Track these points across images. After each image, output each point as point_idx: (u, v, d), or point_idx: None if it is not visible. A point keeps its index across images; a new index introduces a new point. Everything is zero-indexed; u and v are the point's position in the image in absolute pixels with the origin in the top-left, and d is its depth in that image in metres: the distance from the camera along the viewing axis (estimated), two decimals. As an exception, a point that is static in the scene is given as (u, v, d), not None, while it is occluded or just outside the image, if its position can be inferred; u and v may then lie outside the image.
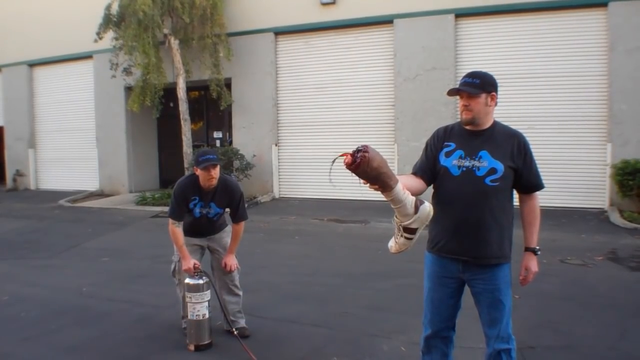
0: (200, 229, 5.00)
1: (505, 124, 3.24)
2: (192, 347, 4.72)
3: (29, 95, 19.02)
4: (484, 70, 3.21)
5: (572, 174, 11.41)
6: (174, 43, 13.93)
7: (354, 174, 2.55)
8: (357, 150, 2.53)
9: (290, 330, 5.17)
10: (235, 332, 4.78)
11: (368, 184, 2.61)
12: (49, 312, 5.88)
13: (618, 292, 6.10)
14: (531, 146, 3.16)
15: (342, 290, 6.45)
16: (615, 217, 10.14)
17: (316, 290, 6.48)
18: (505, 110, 11.05)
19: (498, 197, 3.08)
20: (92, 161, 17.53)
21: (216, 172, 4.72)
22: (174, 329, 5.19)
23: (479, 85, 3.07)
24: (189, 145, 14.24)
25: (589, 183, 11.46)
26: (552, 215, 10.15)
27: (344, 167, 2.52)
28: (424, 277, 3.39)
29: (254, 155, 14.39)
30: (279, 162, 14.61)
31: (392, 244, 2.92)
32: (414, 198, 2.73)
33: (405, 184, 2.77)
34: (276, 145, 14.53)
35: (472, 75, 3.13)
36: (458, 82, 3.16)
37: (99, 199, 16.21)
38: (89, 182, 17.58)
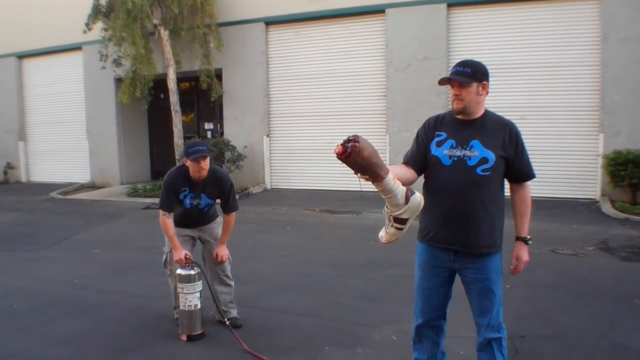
0: (191, 220, 4.99)
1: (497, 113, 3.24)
2: (184, 338, 4.72)
3: (18, 87, 18.85)
4: (476, 59, 3.19)
5: (563, 164, 11.42)
6: (164, 34, 13.82)
7: (344, 164, 2.55)
8: (348, 140, 2.53)
9: (282, 320, 5.18)
10: (227, 322, 4.79)
11: (358, 174, 2.60)
12: (41, 304, 5.87)
13: (608, 282, 6.13)
14: (523, 136, 3.16)
15: (333, 280, 6.47)
16: (607, 208, 10.18)
17: (307, 281, 6.49)
18: (497, 101, 11.04)
19: (489, 186, 3.08)
20: (83, 153, 17.43)
21: (206, 164, 4.71)
22: (166, 320, 5.19)
23: (470, 74, 3.05)
24: (180, 137, 14.16)
25: (581, 173, 11.47)
26: (543, 205, 10.19)
27: (335, 157, 2.52)
28: (415, 266, 3.39)
29: (245, 146, 14.36)
30: (270, 153, 14.57)
31: (382, 234, 2.92)
32: (404, 188, 2.72)
33: (396, 174, 2.77)
34: (267, 136, 14.50)
35: (464, 64, 3.11)
36: (449, 71, 3.15)
37: (91, 191, 16.13)
38: (80, 174, 17.48)
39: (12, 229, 10.71)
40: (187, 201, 4.85)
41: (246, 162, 14.22)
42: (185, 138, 14.81)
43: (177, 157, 13.70)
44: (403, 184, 2.77)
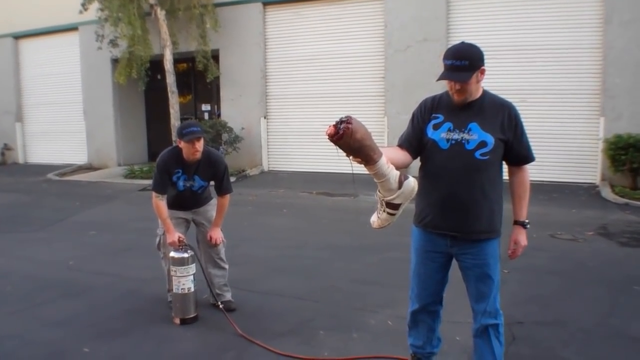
0: (185, 202, 4.91)
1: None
2: (177, 321, 4.67)
3: (14, 68, 18.79)
4: (474, 42, 3.02)
5: (563, 148, 11.34)
6: (160, 14, 13.66)
7: (336, 146, 2.47)
8: (340, 122, 2.46)
9: (277, 304, 5.12)
10: (220, 306, 4.73)
11: (351, 157, 2.53)
12: (36, 286, 5.81)
13: (608, 268, 6.07)
14: (522, 119, 3.06)
15: (329, 263, 6.41)
16: (607, 192, 10.12)
17: (303, 264, 6.44)
18: (497, 83, 10.90)
19: (488, 171, 2.99)
20: (80, 134, 17.41)
21: (200, 145, 4.62)
22: (160, 303, 5.12)
23: (469, 66, 2.89)
24: (177, 118, 14.06)
25: (581, 157, 11.41)
26: (543, 189, 10.13)
27: (327, 138, 2.44)
28: (411, 250, 3.32)
29: (243, 128, 14.27)
30: (267, 135, 14.49)
31: (374, 219, 2.85)
32: (398, 172, 2.65)
33: (390, 157, 2.69)
34: (265, 117, 14.41)
35: (459, 55, 2.91)
36: (444, 62, 2.97)
37: (88, 172, 16.13)
38: (78, 155, 17.46)
39: (8, 210, 10.64)
40: (181, 183, 4.77)
41: (243, 144, 14.15)
42: (183, 119, 14.69)
43: (173, 138, 13.59)
44: (397, 168, 2.70)
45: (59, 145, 18.13)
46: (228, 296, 5.01)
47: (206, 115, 16.24)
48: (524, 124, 3.06)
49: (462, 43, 3.00)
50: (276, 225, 8.65)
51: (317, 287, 5.56)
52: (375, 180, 2.67)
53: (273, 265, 6.41)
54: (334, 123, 2.46)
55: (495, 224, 3.08)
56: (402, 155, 3.05)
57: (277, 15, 14.24)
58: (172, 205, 4.87)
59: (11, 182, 14.71)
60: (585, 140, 11.36)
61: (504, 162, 3.10)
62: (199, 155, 4.65)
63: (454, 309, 4.02)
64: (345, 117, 2.46)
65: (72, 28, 16.92)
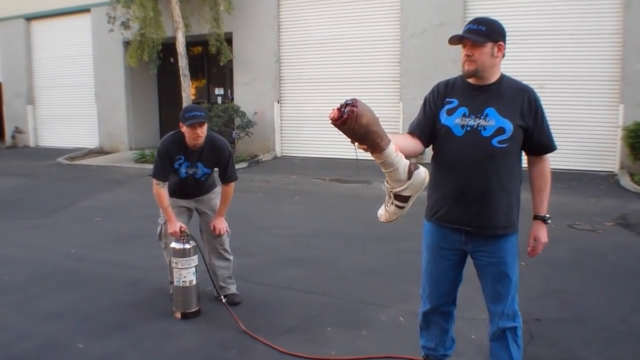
0: (187, 190, 4.70)
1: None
2: (178, 315, 4.48)
3: (26, 50, 18.60)
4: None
5: (582, 136, 10.99)
6: (173, -4, 13.44)
7: (339, 131, 2.25)
8: (345, 104, 2.22)
9: (284, 297, 4.92)
10: (223, 300, 4.51)
11: (356, 143, 2.30)
12: (35, 276, 5.65)
13: (629, 260, 5.80)
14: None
15: (340, 254, 6.19)
16: (626, 181, 9.80)
17: (313, 254, 6.22)
18: (515, 68, 10.54)
19: (506, 160, 2.75)
20: (92, 118, 17.25)
21: (203, 131, 4.39)
22: (161, 295, 4.94)
23: (485, 32, 2.68)
24: (189, 102, 13.82)
25: (599, 145, 11.04)
26: (560, 177, 9.79)
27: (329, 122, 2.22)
28: (422, 247, 3.09)
29: (256, 113, 14.04)
30: (281, 120, 14.25)
31: (382, 212, 2.62)
32: (407, 162, 2.41)
33: (399, 145, 2.46)
34: (278, 102, 14.16)
35: (478, 21, 2.74)
36: (462, 30, 2.79)
37: (98, 156, 16.00)
38: (89, 139, 17.32)
39: (16, 195, 10.54)
40: (183, 170, 4.55)
41: (256, 129, 13.93)
42: (195, 103, 14.51)
43: (184, 122, 13.40)
44: (407, 157, 2.47)
45: (70, 129, 17.97)
46: (233, 289, 4.81)
47: (219, 100, 16.02)
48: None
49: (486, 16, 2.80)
50: (287, 212, 8.45)
51: (326, 279, 5.34)
52: (383, 169, 2.44)
53: (282, 255, 6.20)
54: (339, 106, 2.24)
55: (513, 219, 2.84)
56: (413, 143, 2.81)
57: (292, -2, 13.94)
58: (173, 193, 4.66)
59: (21, 166, 14.61)
60: (604, 128, 10.99)
61: (523, 152, 2.85)
62: (201, 141, 4.43)
63: (468, 304, 3.80)
64: (351, 99, 2.23)
65: (84, 10, 16.76)
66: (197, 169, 4.57)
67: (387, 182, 2.50)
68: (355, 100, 2.22)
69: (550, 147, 2.87)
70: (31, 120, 18.80)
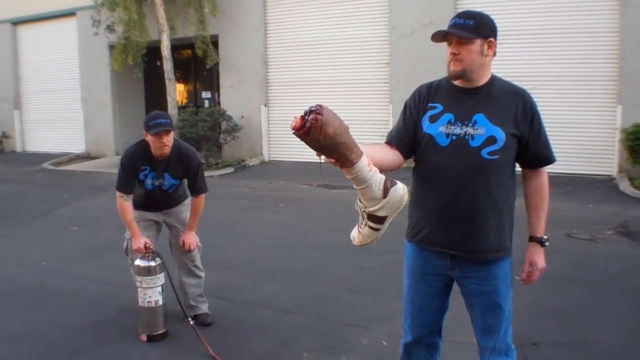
0: (154, 202, 4.35)
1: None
2: (144, 338, 4.13)
3: (13, 54, 18.34)
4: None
5: (578, 138, 10.67)
6: (157, -3, 13.11)
7: (303, 142, 1.91)
8: (309, 111, 1.89)
9: (259, 317, 4.56)
10: (191, 322, 4.14)
11: (322, 156, 1.96)
12: (1, 291, 5.33)
13: (632, 273, 5.43)
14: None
15: (323, 267, 5.84)
16: (625, 186, 9.47)
17: (294, 267, 5.87)
18: (507, 68, 10.19)
19: (497, 173, 2.39)
20: (78, 122, 16.98)
21: (169, 139, 4.05)
22: (129, 313, 4.56)
23: (473, 27, 2.34)
24: (174, 106, 13.55)
25: (597, 148, 10.70)
26: (555, 182, 9.32)
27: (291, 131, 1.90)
28: (403, 270, 2.74)
29: (242, 117, 13.70)
30: (268, 124, 13.90)
31: (354, 234, 2.29)
32: (382, 177, 2.07)
33: (374, 158, 2.12)
34: (266, 105, 13.82)
35: (465, 15, 2.40)
36: (447, 24, 2.45)
37: (84, 161, 15.75)
38: (76, 144, 17.04)
39: (-6, 202, 10.18)
40: (149, 181, 4.21)
41: (243, 133, 13.58)
42: (183, 107, 14.22)
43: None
44: (385, 170, 2.14)
45: (57, 134, 17.67)
46: (204, 308, 4.47)
47: (206, 103, 15.71)
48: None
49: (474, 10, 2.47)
50: (271, 221, 8.07)
51: (306, 297, 4.98)
52: (355, 186, 2.10)
53: (261, 268, 5.85)
54: (302, 113, 1.91)
55: (506, 241, 2.48)
56: (392, 155, 2.46)
57: (278, -1, 13.63)
58: (140, 206, 4.33)
59: (5, 172, 14.30)
60: (602, 130, 10.66)
61: (516, 164, 2.51)
62: (167, 150, 4.09)
63: (456, 326, 3.42)
64: (315, 106, 1.90)
65: (70, 13, 16.54)
66: (164, 180, 4.22)
67: (359, 200, 2.17)
68: (321, 106, 1.89)
69: (548, 158, 2.51)
70: (18, 125, 18.51)
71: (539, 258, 2.55)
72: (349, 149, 1.97)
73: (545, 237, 2.56)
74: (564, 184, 9.67)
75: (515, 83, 2.51)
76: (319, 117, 1.86)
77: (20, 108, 18.46)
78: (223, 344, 3.99)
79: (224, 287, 5.10)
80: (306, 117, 1.89)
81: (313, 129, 1.86)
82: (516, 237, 2.55)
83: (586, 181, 10.14)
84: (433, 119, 2.46)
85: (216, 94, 15.41)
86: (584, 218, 7.57)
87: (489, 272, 2.47)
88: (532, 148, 2.45)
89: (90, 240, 7.21)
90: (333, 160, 2.00)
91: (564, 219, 7.28)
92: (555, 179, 9.26)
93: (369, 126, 12.03)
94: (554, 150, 2.52)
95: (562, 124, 10.41)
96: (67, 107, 17.27)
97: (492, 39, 2.38)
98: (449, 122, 2.42)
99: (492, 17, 2.49)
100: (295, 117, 1.91)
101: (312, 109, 1.90)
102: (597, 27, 10.55)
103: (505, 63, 10.26)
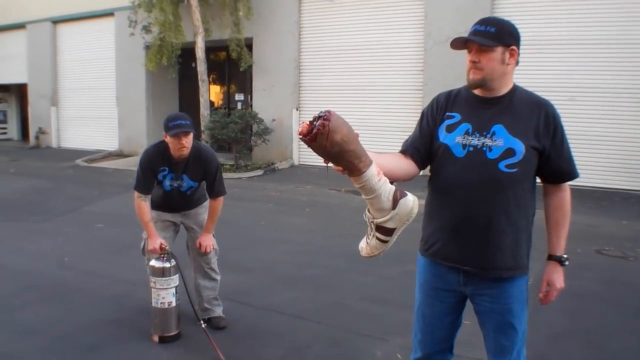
0: (173, 203, 4.32)
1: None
2: (156, 339, 4.11)
3: (52, 52, 18.70)
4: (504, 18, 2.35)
5: (615, 151, 10.31)
6: (193, 0, 13.18)
7: (310, 148, 1.85)
8: (318, 117, 1.83)
9: (274, 323, 4.50)
10: (203, 325, 4.08)
11: (330, 163, 1.89)
12: (21, 286, 5.38)
13: (664, 295, 5.23)
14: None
15: (342, 275, 5.74)
16: (662, 202, 9.18)
17: (314, 274, 5.79)
18: (543, 79, 10.02)
19: (515, 187, 2.27)
20: (113, 121, 17.21)
21: (188, 141, 4.01)
22: (145, 313, 4.52)
23: (494, 35, 2.23)
24: (207, 107, 13.63)
25: (634, 162, 10.36)
26: (590, 196, 9.24)
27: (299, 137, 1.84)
28: (416, 284, 2.64)
29: (274, 120, 13.68)
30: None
31: (362, 245, 2.22)
32: (392, 187, 1.99)
33: (386, 167, 2.04)
34: (297, 109, 13.77)
35: (486, 22, 2.29)
36: (467, 31, 2.35)
37: (117, 159, 15.90)
38: (109, 141, 17.28)
39: (26, 196, 10.36)
40: (167, 182, 4.18)
41: (274, 136, 13.56)
42: (215, 109, 14.26)
43: (202, 128, 13.12)
44: (398, 180, 2.07)
45: (91, 131, 17.96)
46: (218, 311, 4.43)
47: (239, 105, 15.76)
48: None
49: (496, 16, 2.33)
50: (295, 226, 8.01)
51: (323, 304, 4.90)
52: (364, 196, 2.04)
53: (280, 274, 5.79)
54: (311, 119, 1.86)
55: (522, 258, 2.36)
56: (405, 165, 2.37)
57: (313, 4, 13.54)
58: (158, 206, 4.31)
59: (39, 167, 14.55)
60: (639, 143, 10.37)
61: (536, 178, 2.39)
62: (186, 152, 4.05)
63: (471, 341, 3.32)
64: (325, 111, 1.84)
65: (108, 13, 16.83)
66: (183, 182, 4.19)
67: (368, 210, 2.09)
68: (329, 112, 1.83)
69: (571, 174, 2.38)
70: (54, 122, 18.84)
71: (558, 278, 2.43)
72: (357, 157, 1.90)
73: (565, 256, 2.43)
74: (599, 198, 9.41)
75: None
76: (327, 123, 1.81)
77: (57, 105, 18.78)
78: (235, 348, 3.95)
79: (241, 291, 5.06)
80: (314, 123, 1.83)
81: (320, 135, 1.81)
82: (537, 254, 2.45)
83: (623, 196, 9.85)
84: (450, 129, 2.36)
85: (249, 96, 15.43)
86: (617, 235, 7.33)
87: (504, 290, 2.36)
88: (553, 162, 2.33)
89: (115, 238, 7.23)
90: (341, 168, 1.94)
91: (595, 235, 7.09)
92: (589, 193, 9.11)
93: (400, 133, 11.87)
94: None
95: (599, 137, 10.18)
96: (102, 105, 17.52)
97: (514, 47, 2.27)
98: (467, 133, 2.32)
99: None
100: (303, 122, 1.86)
101: (321, 114, 1.84)
102: (636, 38, 10.22)
103: (542, 74, 10.07)
